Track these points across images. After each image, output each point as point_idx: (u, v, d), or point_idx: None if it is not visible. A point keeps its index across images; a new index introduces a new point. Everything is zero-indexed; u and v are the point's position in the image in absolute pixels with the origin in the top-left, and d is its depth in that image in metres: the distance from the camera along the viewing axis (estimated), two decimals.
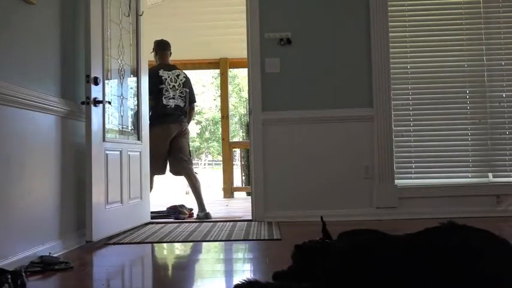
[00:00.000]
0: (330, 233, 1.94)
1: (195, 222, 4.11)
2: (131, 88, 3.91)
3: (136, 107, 3.97)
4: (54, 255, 2.61)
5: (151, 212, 4.21)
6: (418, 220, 3.67)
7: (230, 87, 23.00)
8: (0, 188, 2.32)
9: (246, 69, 4.52)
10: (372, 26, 4.01)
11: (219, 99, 8.29)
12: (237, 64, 7.60)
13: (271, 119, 4.03)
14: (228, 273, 2.37)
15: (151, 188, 4.38)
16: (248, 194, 7.45)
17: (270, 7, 4.08)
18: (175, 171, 4.60)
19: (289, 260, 1.96)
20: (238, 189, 7.93)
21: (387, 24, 4.02)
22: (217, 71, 7.87)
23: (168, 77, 4.53)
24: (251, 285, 1.75)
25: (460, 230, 1.58)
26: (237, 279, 1.85)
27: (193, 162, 5.58)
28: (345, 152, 4.00)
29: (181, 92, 4.55)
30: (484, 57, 4.08)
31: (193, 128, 32.16)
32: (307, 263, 1.84)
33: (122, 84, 3.70)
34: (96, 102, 3.13)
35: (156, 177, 4.61)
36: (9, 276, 1.87)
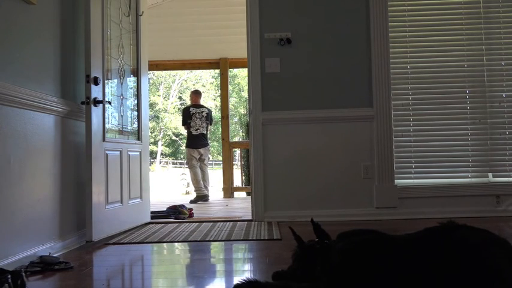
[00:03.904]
0: (328, 233, 1.94)
1: (195, 222, 4.11)
2: (131, 88, 3.91)
3: (136, 107, 3.97)
4: (54, 255, 2.61)
5: (152, 212, 4.22)
6: (418, 220, 3.67)
7: (230, 87, 23.08)
8: (0, 188, 2.32)
9: (246, 69, 4.53)
10: (372, 26, 4.01)
11: (219, 99, 8.29)
12: (237, 64, 7.61)
13: (271, 119, 4.03)
14: (228, 273, 2.37)
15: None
16: (248, 194, 7.47)
17: (270, 7, 4.08)
18: None
19: (289, 260, 1.96)
20: (238, 189, 7.93)
21: (387, 24, 4.02)
22: (217, 71, 7.87)
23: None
24: (251, 285, 1.75)
25: (459, 229, 1.59)
26: (237, 279, 1.85)
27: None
28: (345, 152, 4.00)
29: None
30: (484, 57, 4.08)
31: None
32: (307, 263, 1.84)
33: (121, 84, 3.70)
34: (96, 102, 3.14)
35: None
36: (9, 276, 1.86)
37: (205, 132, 6.70)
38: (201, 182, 6.55)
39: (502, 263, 1.45)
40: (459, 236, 1.54)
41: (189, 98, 7.18)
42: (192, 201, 6.28)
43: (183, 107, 6.96)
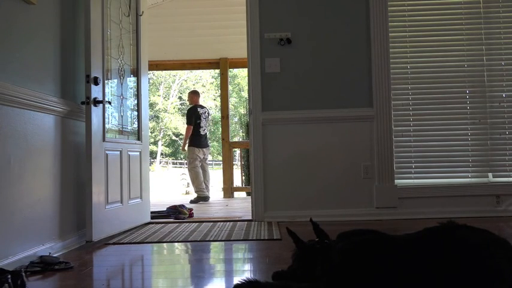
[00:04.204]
0: (327, 233, 1.94)
1: (195, 222, 4.11)
2: (131, 88, 3.91)
3: (136, 107, 3.97)
4: (54, 255, 2.61)
5: (152, 212, 4.22)
6: (418, 220, 3.68)
7: (230, 87, 23.09)
8: (0, 188, 2.32)
9: (246, 69, 4.53)
10: (372, 26, 4.01)
11: (219, 99, 8.30)
12: (237, 64, 7.61)
13: (271, 119, 4.03)
14: (228, 273, 2.37)
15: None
16: (248, 194, 7.46)
17: (270, 7, 4.08)
18: None
19: (289, 260, 1.96)
20: (238, 189, 7.93)
21: (387, 24, 4.02)
22: (217, 71, 7.88)
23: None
24: (251, 285, 1.75)
25: (459, 229, 1.59)
26: (237, 279, 1.85)
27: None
28: (345, 152, 4.00)
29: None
30: (484, 57, 4.08)
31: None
32: (307, 262, 1.84)
33: (121, 84, 3.70)
34: (96, 102, 3.14)
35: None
36: (9, 276, 1.86)
37: (207, 131, 6.79)
38: (203, 182, 6.55)
39: (502, 263, 1.45)
40: (459, 236, 1.54)
41: (189, 98, 7.07)
42: (192, 202, 6.28)
43: (189, 107, 6.84)
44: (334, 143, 4.00)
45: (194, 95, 6.98)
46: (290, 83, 4.05)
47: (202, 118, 6.59)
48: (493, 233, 1.59)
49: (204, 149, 6.64)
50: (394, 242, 1.66)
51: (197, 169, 6.53)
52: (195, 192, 6.58)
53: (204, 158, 6.65)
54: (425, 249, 1.55)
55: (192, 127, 6.59)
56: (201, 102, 6.98)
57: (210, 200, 6.55)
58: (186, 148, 6.82)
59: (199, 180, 6.50)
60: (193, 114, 6.62)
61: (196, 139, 6.59)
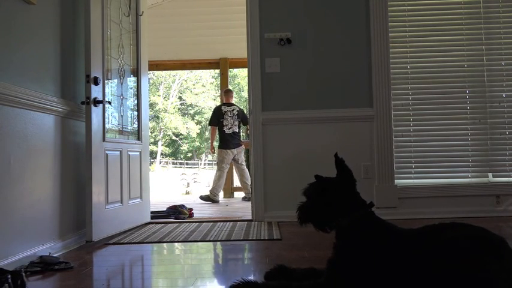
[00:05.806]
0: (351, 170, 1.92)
1: (195, 222, 4.12)
2: (131, 88, 3.91)
3: (136, 107, 3.97)
4: (54, 255, 2.61)
5: (151, 212, 4.22)
6: (418, 220, 3.67)
7: (230, 87, 23.11)
8: (0, 188, 2.32)
9: (246, 69, 4.54)
10: (372, 26, 4.01)
11: (219, 99, 8.28)
12: (237, 64, 7.61)
13: (271, 119, 4.03)
14: (228, 273, 2.37)
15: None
16: None
17: (270, 7, 4.08)
18: None
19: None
20: (238, 189, 7.92)
21: (387, 24, 4.02)
22: (217, 71, 7.88)
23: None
24: (247, 285, 1.76)
25: (453, 227, 1.62)
26: (235, 280, 1.85)
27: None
28: (345, 152, 3.95)
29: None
30: (484, 57, 4.08)
31: (193, 128, 32.28)
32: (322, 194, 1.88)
33: (121, 84, 3.70)
34: (96, 102, 3.14)
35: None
36: (9, 276, 1.87)
37: (237, 130, 6.54)
38: (221, 187, 6.45)
39: (491, 263, 1.46)
40: (451, 234, 1.57)
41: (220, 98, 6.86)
42: (202, 198, 6.32)
43: (215, 106, 6.63)
44: (334, 143, 3.99)
45: (225, 93, 6.80)
46: (290, 83, 4.05)
47: (226, 116, 6.40)
48: (487, 230, 1.59)
49: (233, 150, 6.42)
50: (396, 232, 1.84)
51: (222, 172, 6.38)
52: (209, 191, 6.46)
53: (234, 158, 6.45)
54: (416, 239, 1.69)
55: (215, 128, 6.48)
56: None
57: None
58: (214, 150, 6.67)
59: (219, 183, 6.37)
60: (215, 113, 6.51)
61: (222, 140, 6.43)
